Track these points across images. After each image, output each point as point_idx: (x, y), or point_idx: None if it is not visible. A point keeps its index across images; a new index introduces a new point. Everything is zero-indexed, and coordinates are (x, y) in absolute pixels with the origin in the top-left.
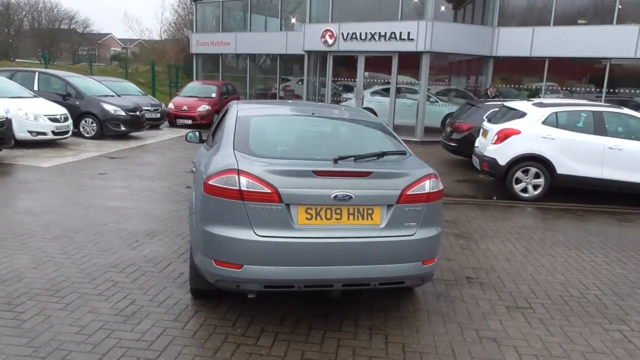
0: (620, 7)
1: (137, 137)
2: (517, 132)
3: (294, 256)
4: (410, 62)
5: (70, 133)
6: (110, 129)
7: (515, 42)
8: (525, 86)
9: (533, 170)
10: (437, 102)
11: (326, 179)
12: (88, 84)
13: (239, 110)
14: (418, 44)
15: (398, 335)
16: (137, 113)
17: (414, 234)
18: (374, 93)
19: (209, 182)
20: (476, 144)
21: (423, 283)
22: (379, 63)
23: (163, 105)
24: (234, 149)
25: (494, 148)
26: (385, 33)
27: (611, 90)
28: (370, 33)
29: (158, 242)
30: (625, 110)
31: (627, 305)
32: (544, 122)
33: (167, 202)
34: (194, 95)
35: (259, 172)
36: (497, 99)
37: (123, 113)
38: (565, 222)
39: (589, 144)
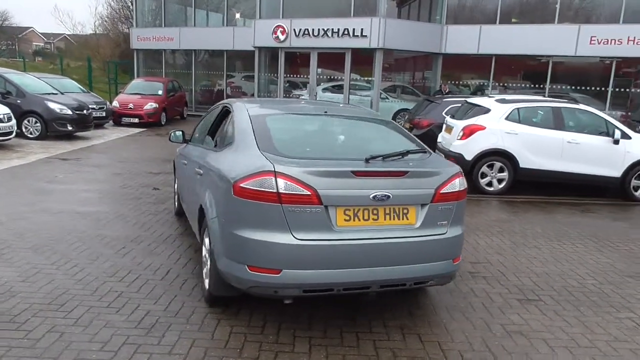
0: (558, 7)
1: (83, 137)
2: (482, 128)
3: (334, 259)
4: (362, 58)
5: (14, 134)
6: (56, 129)
7: (463, 39)
8: (473, 83)
9: (498, 164)
10: (387, 98)
11: (365, 179)
12: (27, 81)
13: (249, 109)
14: (372, 41)
15: (429, 334)
16: (84, 112)
17: (445, 233)
18: (325, 89)
19: (241, 185)
20: (439, 140)
21: (451, 281)
22: (332, 59)
23: (107, 103)
24: (259, 149)
25: (460, 144)
26: (339, 29)
27: (553, 86)
28: (323, 29)
29: (147, 247)
30: (581, 106)
31: (626, 294)
32: (507, 118)
33: (140, 204)
34: (140, 92)
35: (298, 173)
36: (450, 95)
37: (69, 112)
38: (533, 214)
39: (549, 138)
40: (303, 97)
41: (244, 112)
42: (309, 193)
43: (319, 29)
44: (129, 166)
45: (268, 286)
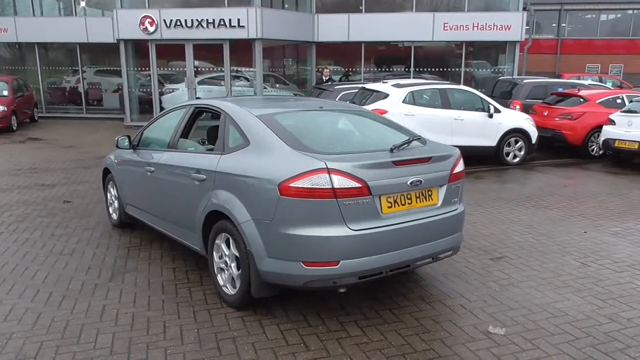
0: None
1: None
2: (385, 112)
3: (383, 244)
4: (240, 49)
5: None
6: None
7: (333, 27)
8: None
9: None
10: (266, 88)
11: (402, 168)
12: None
13: (248, 109)
14: (250, 31)
15: (449, 299)
16: None
17: (457, 208)
18: (201, 82)
19: (291, 185)
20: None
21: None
22: (209, 51)
23: None
24: (291, 148)
25: None
26: (214, 20)
27: (417, 69)
28: (197, 20)
29: (128, 266)
30: (462, 87)
31: (558, 241)
32: (403, 101)
33: (64, 222)
34: None
35: (348, 168)
36: (331, 81)
37: None
38: None
39: (440, 117)
40: (177, 90)
41: (245, 113)
42: (359, 185)
43: (192, 20)
44: (12, 180)
45: (327, 278)
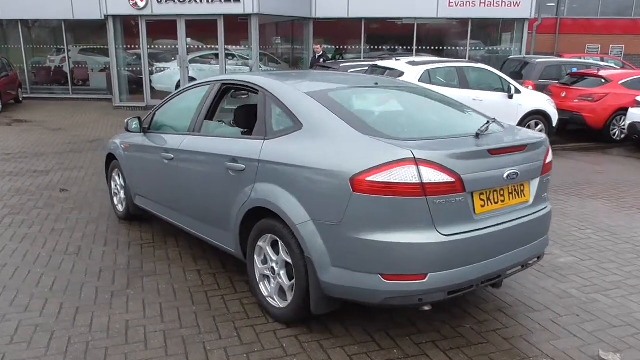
0: None
1: None
2: None
3: (477, 252)
4: (233, 26)
5: None
6: None
7: (333, 2)
8: (344, 48)
9: None
10: (261, 67)
11: (497, 158)
12: None
13: (294, 85)
14: (246, 6)
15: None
16: None
17: (547, 206)
18: (193, 61)
19: (367, 179)
20: None
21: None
22: (201, 29)
23: None
24: (360, 132)
25: None
26: None
27: (419, 47)
28: None
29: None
30: (480, 65)
31: None
32: (419, 80)
33: (64, 214)
34: None
35: (440, 158)
36: (324, 58)
37: None
38: None
39: (458, 97)
40: (168, 69)
41: (291, 90)
42: (453, 180)
43: None
44: (1, 166)
45: (411, 295)
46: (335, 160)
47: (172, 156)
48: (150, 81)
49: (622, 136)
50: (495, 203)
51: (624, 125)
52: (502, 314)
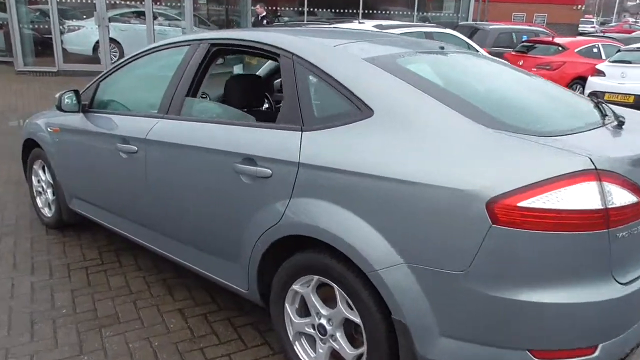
0: None
1: None
2: None
3: None
4: None
5: None
6: None
7: None
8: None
9: None
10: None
11: None
12: None
13: (343, 48)
14: None
15: None
16: None
17: None
18: (113, 19)
19: (521, 204)
20: None
21: None
22: None
23: None
24: (484, 125)
25: None
26: None
27: (365, 11)
28: None
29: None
30: (449, 31)
31: None
32: None
33: None
34: None
35: (623, 167)
36: (267, 20)
37: None
38: None
39: None
40: (84, 28)
41: (342, 54)
42: (638, 200)
43: None
44: None
45: None
46: (454, 171)
47: (136, 148)
48: (62, 42)
49: None
50: None
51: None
52: None
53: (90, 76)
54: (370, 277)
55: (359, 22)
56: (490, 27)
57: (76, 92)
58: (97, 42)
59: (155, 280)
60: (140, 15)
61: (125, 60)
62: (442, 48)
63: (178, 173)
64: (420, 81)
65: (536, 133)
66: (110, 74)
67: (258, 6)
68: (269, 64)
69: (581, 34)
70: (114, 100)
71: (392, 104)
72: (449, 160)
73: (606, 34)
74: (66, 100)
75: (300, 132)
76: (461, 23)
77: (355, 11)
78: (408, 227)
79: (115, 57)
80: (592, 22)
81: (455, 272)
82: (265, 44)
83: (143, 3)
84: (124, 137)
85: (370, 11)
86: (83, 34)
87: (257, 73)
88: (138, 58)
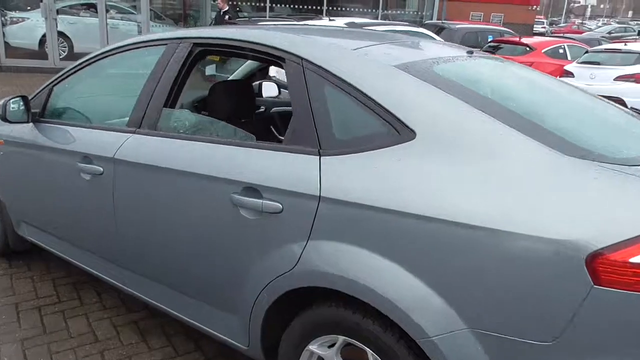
0: None
1: None
2: None
3: None
4: None
5: None
6: None
7: None
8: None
9: None
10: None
11: None
12: None
13: (364, 53)
14: None
15: None
16: None
17: None
18: (62, 11)
19: (633, 260)
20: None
21: None
22: None
23: None
24: (569, 155)
25: None
26: None
27: (330, 8)
28: None
29: None
30: (421, 30)
31: None
32: None
33: None
34: None
35: None
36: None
37: None
38: None
39: None
40: (28, 20)
41: (367, 61)
42: None
43: None
44: None
45: None
46: (539, 215)
47: (101, 169)
48: (4, 35)
49: None
50: None
51: None
52: None
53: (36, 73)
54: (421, 344)
55: (330, 20)
56: (457, 26)
57: (24, 98)
58: (44, 35)
59: (124, 323)
60: (91, 7)
61: (85, 61)
62: (471, 52)
63: (155, 202)
64: (472, 96)
65: (628, 163)
66: (67, 77)
67: (220, 0)
68: (248, 65)
69: (535, 34)
70: (71, 109)
71: (440, 124)
72: (531, 201)
73: (560, 35)
74: (12, 107)
75: (318, 157)
76: (427, 22)
77: (317, 8)
78: (473, 284)
79: (64, 52)
80: (543, 23)
81: (539, 342)
82: (265, 45)
83: None
84: (86, 154)
85: (333, 8)
86: (28, 27)
87: (233, 75)
88: (101, 59)
